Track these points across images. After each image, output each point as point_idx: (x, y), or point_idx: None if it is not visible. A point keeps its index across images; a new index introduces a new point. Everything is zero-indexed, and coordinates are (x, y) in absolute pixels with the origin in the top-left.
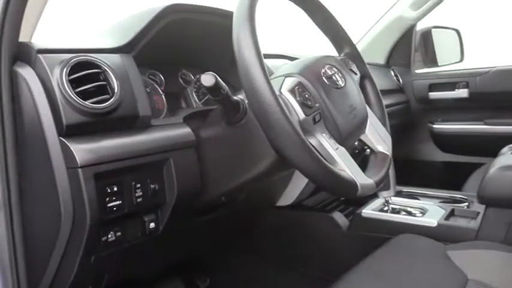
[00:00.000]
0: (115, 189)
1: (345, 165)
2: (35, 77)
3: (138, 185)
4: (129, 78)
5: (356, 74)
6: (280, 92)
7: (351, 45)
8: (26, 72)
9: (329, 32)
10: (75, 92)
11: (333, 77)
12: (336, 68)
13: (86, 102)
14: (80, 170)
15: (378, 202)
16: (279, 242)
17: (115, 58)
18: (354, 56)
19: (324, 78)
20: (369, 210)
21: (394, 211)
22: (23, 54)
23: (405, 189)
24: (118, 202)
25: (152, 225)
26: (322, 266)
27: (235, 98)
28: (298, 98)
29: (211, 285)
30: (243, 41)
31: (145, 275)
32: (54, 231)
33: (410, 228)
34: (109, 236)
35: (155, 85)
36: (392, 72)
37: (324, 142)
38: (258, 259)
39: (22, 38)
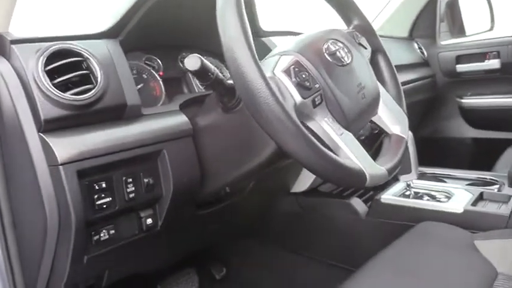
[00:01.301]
0: (103, 185)
1: (350, 152)
2: (10, 70)
3: (130, 180)
4: (115, 65)
5: (366, 48)
6: (273, 74)
7: (360, 16)
8: (1, 65)
9: (335, 2)
10: (53, 84)
11: (337, 53)
12: (341, 43)
13: (65, 94)
14: (61, 167)
15: (398, 186)
16: (295, 230)
17: (99, 44)
18: (364, 28)
19: (326, 55)
20: (389, 196)
21: (417, 196)
22: None
23: (429, 170)
24: (107, 199)
25: (149, 221)
26: (339, 254)
27: (228, 81)
28: (294, 79)
29: (228, 275)
30: (227, 18)
31: (152, 270)
32: (42, 232)
33: (434, 215)
34: (101, 234)
35: (152, 71)
36: (416, 44)
37: (326, 127)
38: (274, 247)
39: None
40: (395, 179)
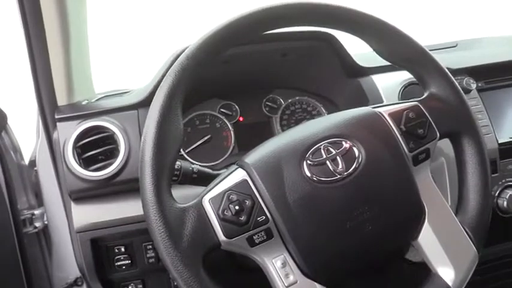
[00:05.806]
0: (122, 249)
1: None
2: (58, 142)
3: (150, 246)
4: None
5: (422, 137)
6: (201, 201)
7: (440, 79)
8: (55, 135)
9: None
10: (83, 158)
11: (328, 162)
12: (348, 142)
13: (84, 171)
14: (77, 234)
15: None
16: None
17: (130, 116)
18: (442, 99)
19: (304, 167)
20: None
21: None
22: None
23: None
24: (127, 262)
25: None
26: None
27: (206, 170)
28: (220, 213)
29: None
30: (146, 138)
31: None
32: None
33: None
34: (129, 287)
35: (225, 120)
36: None
37: (271, 271)
38: None
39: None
40: None
